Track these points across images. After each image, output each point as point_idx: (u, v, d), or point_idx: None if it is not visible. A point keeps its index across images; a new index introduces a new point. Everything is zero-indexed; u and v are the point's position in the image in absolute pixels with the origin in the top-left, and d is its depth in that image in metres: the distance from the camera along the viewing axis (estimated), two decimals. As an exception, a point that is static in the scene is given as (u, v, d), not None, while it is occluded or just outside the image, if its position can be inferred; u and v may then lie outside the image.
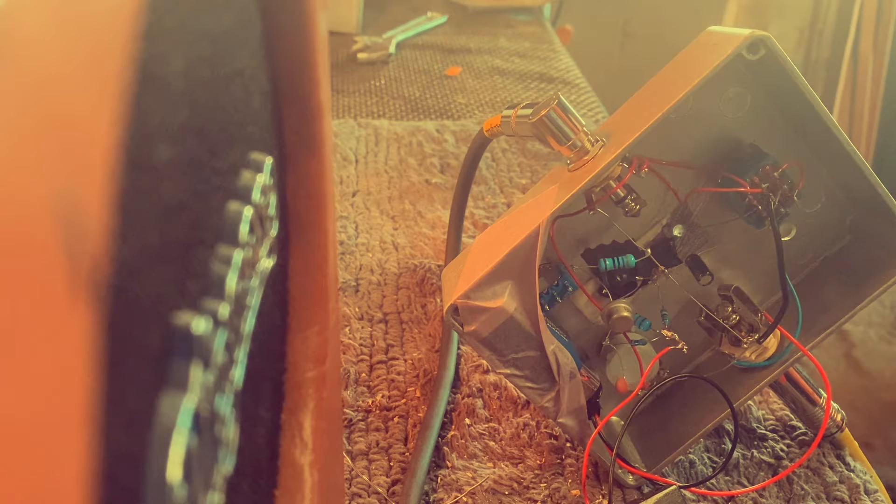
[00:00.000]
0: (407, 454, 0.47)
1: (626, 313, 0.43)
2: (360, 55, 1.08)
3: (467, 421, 0.49)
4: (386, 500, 0.44)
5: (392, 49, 1.10)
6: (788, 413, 0.50)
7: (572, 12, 1.70)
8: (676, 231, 0.44)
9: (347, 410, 0.49)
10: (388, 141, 0.84)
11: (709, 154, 0.43)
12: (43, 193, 0.11)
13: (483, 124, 0.55)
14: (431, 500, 0.44)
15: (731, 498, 0.44)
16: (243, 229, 0.21)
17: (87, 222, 0.12)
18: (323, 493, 0.28)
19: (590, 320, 0.46)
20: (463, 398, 0.50)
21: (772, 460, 0.47)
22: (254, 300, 0.22)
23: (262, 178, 0.23)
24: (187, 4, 0.19)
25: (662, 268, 0.44)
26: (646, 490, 0.44)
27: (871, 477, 0.46)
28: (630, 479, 0.45)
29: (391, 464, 0.46)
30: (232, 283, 0.20)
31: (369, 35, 1.15)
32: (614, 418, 0.47)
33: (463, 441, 0.47)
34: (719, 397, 0.43)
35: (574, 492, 0.44)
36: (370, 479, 0.45)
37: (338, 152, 0.81)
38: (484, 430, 0.48)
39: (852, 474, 0.46)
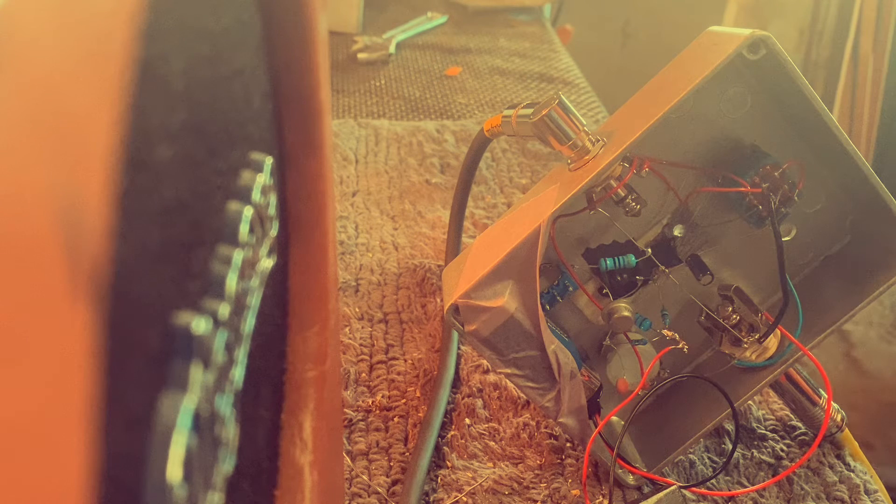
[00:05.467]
0: (407, 454, 0.46)
1: (626, 313, 0.43)
2: (360, 55, 1.08)
3: (467, 421, 0.49)
4: (386, 500, 0.44)
5: (392, 49, 1.10)
6: (788, 413, 0.50)
7: (572, 12, 1.70)
8: (677, 231, 0.44)
9: (347, 410, 0.49)
10: (388, 141, 0.84)
11: (709, 154, 0.43)
12: (43, 193, 0.11)
13: (483, 124, 0.55)
14: (431, 500, 0.44)
15: (732, 498, 0.44)
16: (243, 229, 0.21)
17: (87, 222, 0.12)
18: (323, 493, 0.28)
19: (590, 320, 0.46)
20: (463, 398, 0.50)
21: (772, 460, 0.47)
22: (254, 300, 0.22)
23: (263, 178, 0.23)
24: (187, 4, 0.19)
25: (663, 267, 0.44)
26: (646, 490, 0.44)
27: (871, 477, 0.46)
28: (630, 479, 0.45)
29: (391, 464, 0.46)
30: (232, 283, 0.20)
31: (369, 35, 1.15)
32: (614, 418, 0.47)
33: (463, 441, 0.47)
34: (719, 397, 0.43)
35: (574, 492, 0.44)
36: (370, 479, 0.45)
37: (338, 152, 0.81)
38: (484, 430, 0.48)
39: (852, 474, 0.46)
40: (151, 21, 0.16)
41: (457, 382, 0.52)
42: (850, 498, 0.44)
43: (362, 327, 0.57)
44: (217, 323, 0.18)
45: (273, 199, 0.24)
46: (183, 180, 0.18)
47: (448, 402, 0.50)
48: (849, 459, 0.47)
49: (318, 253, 0.29)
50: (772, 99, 0.42)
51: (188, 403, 0.16)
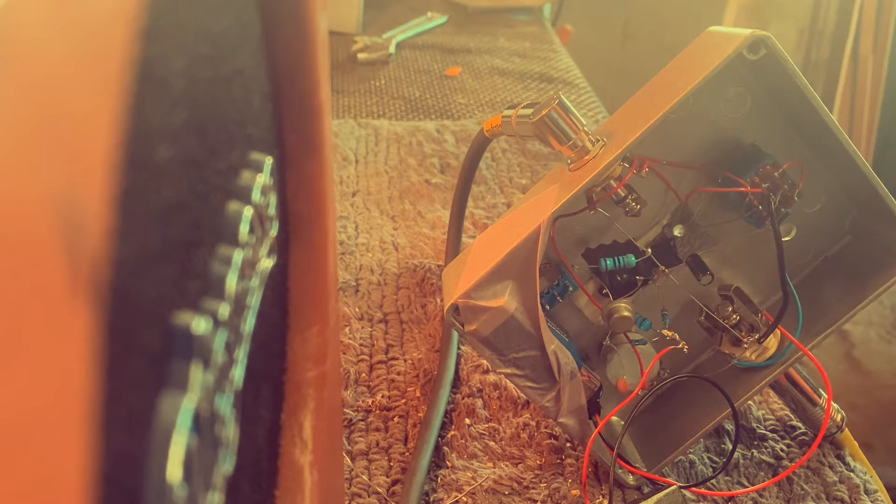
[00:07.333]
0: (407, 454, 0.46)
1: (626, 313, 0.43)
2: (360, 55, 1.08)
3: (467, 421, 0.49)
4: (386, 500, 0.44)
5: (392, 49, 1.10)
6: (788, 413, 0.50)
7: (572, 12, 1.69)
8: (677, 231, 0.44)
9: (347, 410, 0.49)
10: (388, 141, 0.84)
11: (709, 154, 0.43)
12: (43, 193, 0.11)
13: (483, 124, 0.55)
14: (431, 500, 0.44)
15: (732, 498, 0.44)
16: (243, 229, 0.21)
17: (87, 222, 0.12)
18: (323, 493, 0.28)
19: (590, 320, 0.46)
20: (463, 398, 0.50)
21: (772, 460, 0.47)
22: (254, 300, 0.22)
23: (262, 178, 0.23)
24: (187, 4, 0.19)
25: (663, 268, 0.44)
26: (646, 490, 0.44)
27: (871, 477, 0.46)
28: (630, 479, 0.45)
29: (391, 464, 0.46)
30: (232, 283, 0.20)
31: (369, 35, 1.15)
32: (614, 418, 0.47)
33: (463, 441, 0.47)
34: (719, 397, 0.43)
35: (574, 492, 0.44)
36: (370, 479, 0.45)
37: (338, 152, 0.81)
38: (484, 430, 0.48)
39: (852, 474, 0.46)
40: (151, 21, 0.16)
41: (457, 382, 0.52)
42: (850, 498, 0.44)
43: (362, 327, 0.57)
44: (217, 323, 0.18)
45: (273, 199, 0.24)
46: (183, 180, 0.18)
47: (448, 402, 0.50)
48: (849, 459, 0.47)
49: (318, 253, 0.29)
50: (772, 99, 0.42)
51: (188, 403, 0.16)
